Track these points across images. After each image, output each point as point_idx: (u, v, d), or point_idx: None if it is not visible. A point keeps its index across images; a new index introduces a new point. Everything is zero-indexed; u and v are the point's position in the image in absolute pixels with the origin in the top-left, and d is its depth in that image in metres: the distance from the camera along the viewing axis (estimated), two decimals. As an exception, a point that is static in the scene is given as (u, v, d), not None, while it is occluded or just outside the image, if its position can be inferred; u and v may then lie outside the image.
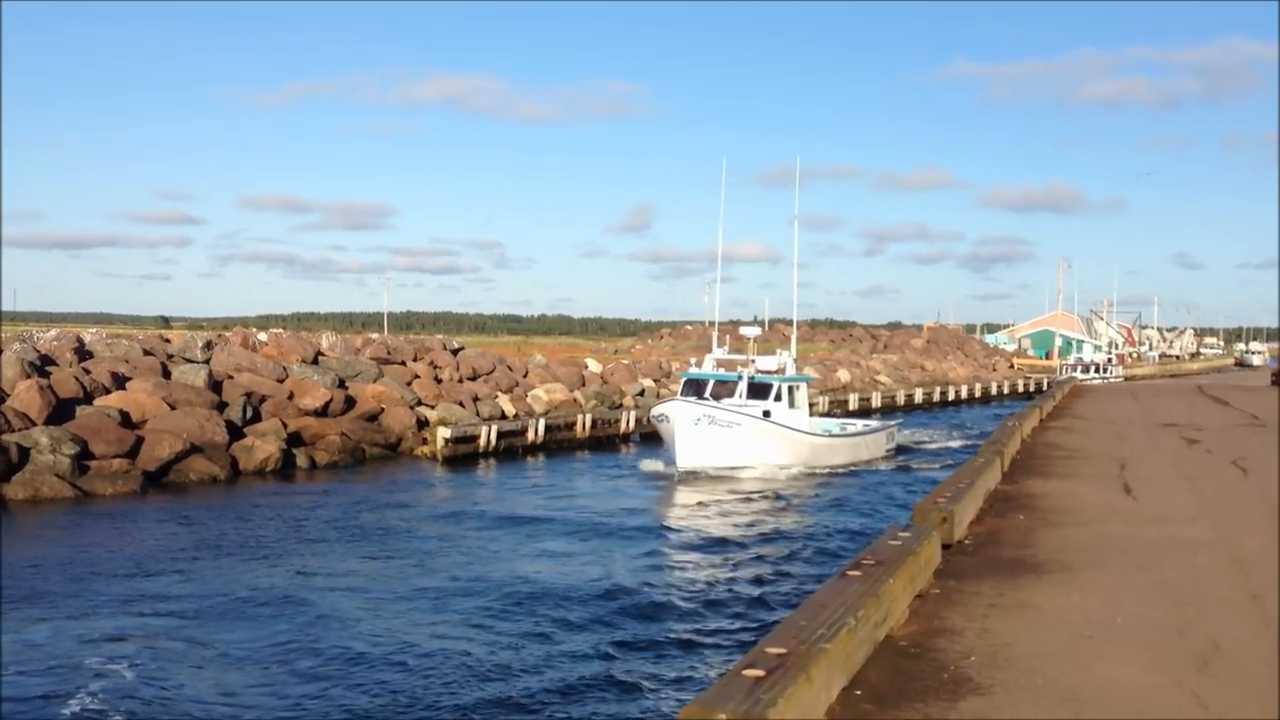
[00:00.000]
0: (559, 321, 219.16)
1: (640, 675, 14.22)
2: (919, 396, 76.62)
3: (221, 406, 34.56)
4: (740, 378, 36.62)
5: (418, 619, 17.26)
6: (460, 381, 45.67)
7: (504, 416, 43.61)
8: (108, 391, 32.98)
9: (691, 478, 33.05)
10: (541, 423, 42.65)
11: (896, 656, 6.49)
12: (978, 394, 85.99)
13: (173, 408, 33.01)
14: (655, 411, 35.45)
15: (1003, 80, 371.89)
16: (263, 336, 43.02)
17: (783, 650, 5.31)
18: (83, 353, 35.74)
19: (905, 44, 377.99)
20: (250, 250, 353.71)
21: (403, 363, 45.33)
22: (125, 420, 31.48)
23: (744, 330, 41.26)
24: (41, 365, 32.89)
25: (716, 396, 35.89)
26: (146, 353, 37.13)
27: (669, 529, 25.31)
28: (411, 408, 40.35)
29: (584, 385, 52.51)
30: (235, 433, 33.60)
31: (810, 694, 5.14)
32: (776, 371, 38.05)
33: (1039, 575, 8.83)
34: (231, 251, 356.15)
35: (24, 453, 27.91)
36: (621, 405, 52.06)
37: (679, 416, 33.36)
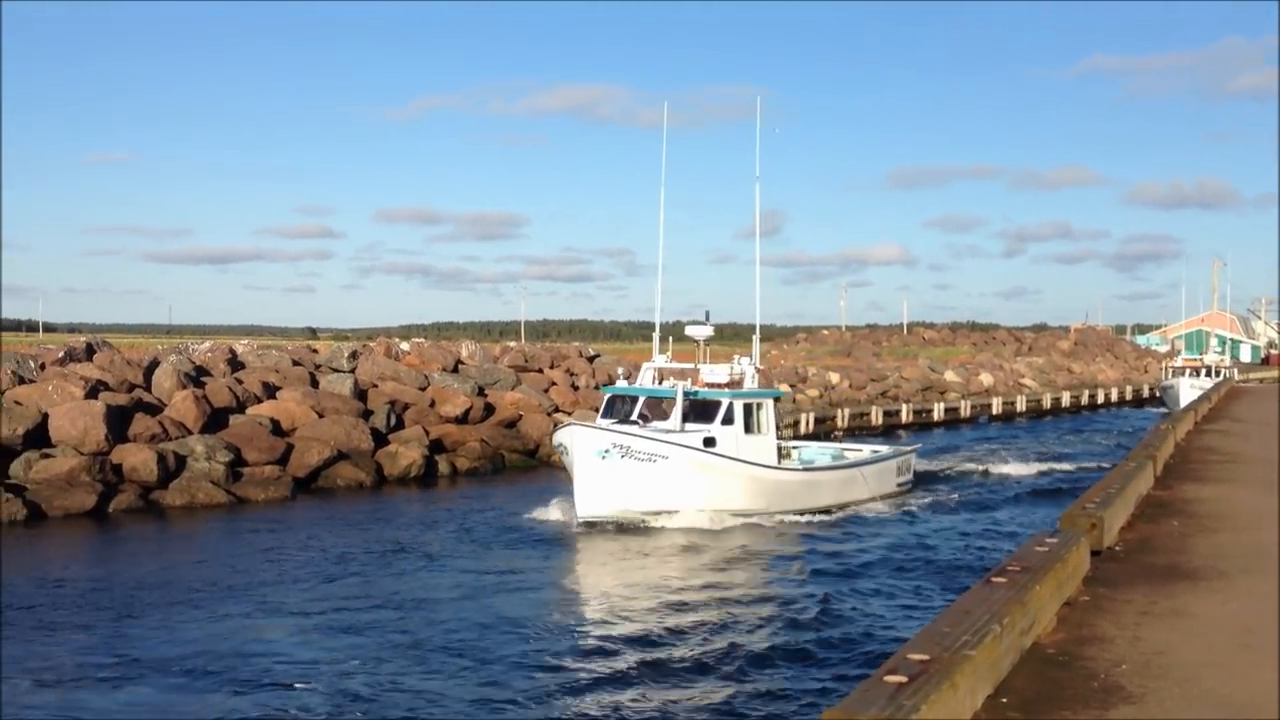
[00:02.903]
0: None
1: None
2: (1066, 400, 74.80)
3: (367, 414, 35.49)
4: (676, 393, 27.52)
5: (583, 624, 17.49)
6: (596, 388, 46.04)
7: (641, 423, 43.82)
8: (259, 401, 34.15)
9: (594, 532, 25.11)
10: (678, 429, 42.70)
11: (1044, 664, 6.34)
12: (1128, 397, 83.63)
13: (321, 416, 34.02)
14: (555, 438, 27.03)
15: (1145, 73, 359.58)
16: (405, 346, 44.05)
17: (925, 657, 5.23)
18: (235, 363, 37.06)
19: (1037, 39, 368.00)
20: (389, 262, 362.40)
21: (540, 370, 45.94)
22: (276, 428, 32.56)
23: (691, 330, 31.34)
24: (197, 376, 34.21)
25: (648, 418, 27.48)
26: (295, 363, 38.35)
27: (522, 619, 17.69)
28: (549, 414, 40.84)
29: (720, 391, 52.42)
30: (380, 440, 34.47)
31: (955, 701, 5.04)
32: (729, 384, 28.98)
33: (1194, 582, 8.53)
34: (371, 263, 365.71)
35: (181, 460, 29.06)
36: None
37: (579, 446, 25.00)
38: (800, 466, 30.40)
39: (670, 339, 33.29)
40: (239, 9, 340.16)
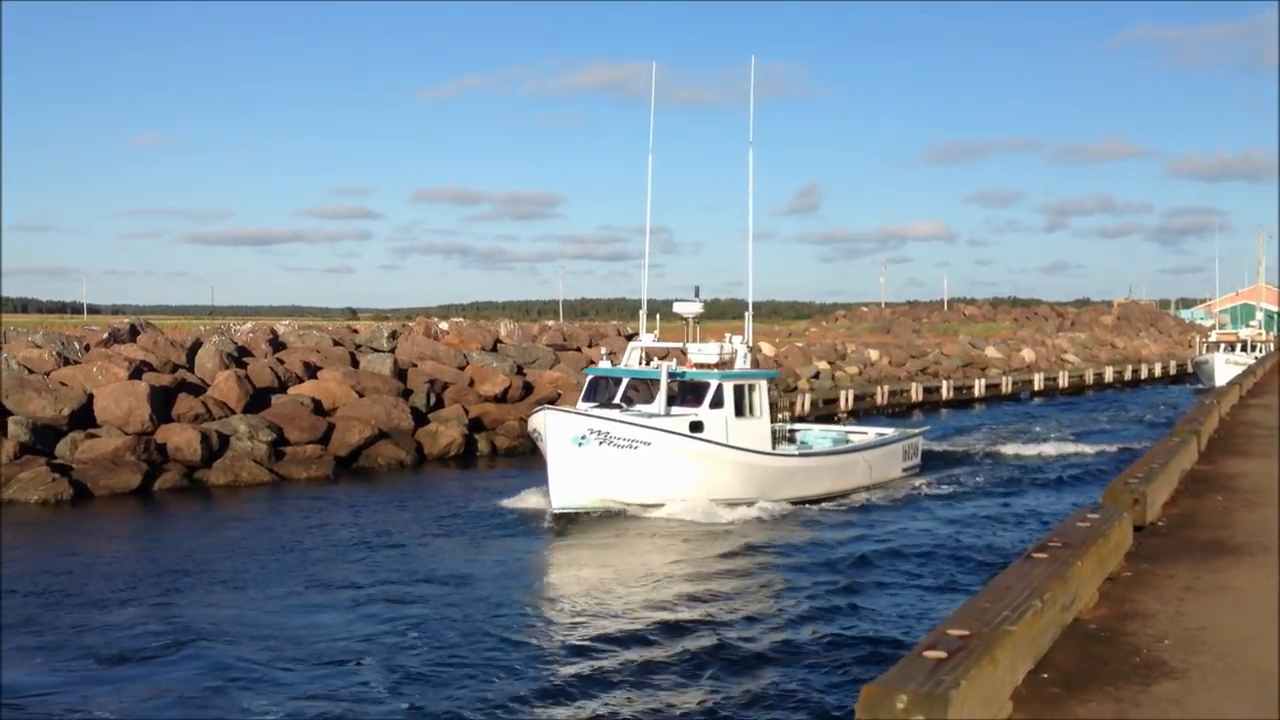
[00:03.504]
0: (731, 305, 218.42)
1: None
2: (1109, 375, 74.15)
3: (407, 394, 35.69)
4: (660, 375, 25.82)
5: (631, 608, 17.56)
6: (635, 366, 46.10)
7: (679, 400, 43.83)
8: (300, 380, 34.42)
9: (569, 525, 23.29)
10: (717, 406, 42.72)
11: (1085, 639, 6.30)
12: (1172, 371, 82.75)
13: (361, 395, 34.25)
14: (531, 423, 25.55)
15: (1189, 44, 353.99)
16: (444, 325, 44.23)
17: (965, 632, 5.21)
18: (276, 344, 37.35)
19: (1079, 9, 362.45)
20: (426, 242, 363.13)
21: (578, 349, 46.04)
22: (317, 408, 32.81)
23: (679, 307, 29.27)
24: (239, 356, 34.51)
25: (633, 401, 25.93)
26: (336, 343, 38.61)
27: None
28: (588, 393, 40.91)
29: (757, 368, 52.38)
30: (420, 419, 34.66)
31: (994, 676, 5.02)
32: (718, 365, 27.06)
33: (1238, 557, 8.44)
34: (409, 244, 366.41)
35: (224, 440, 29.35)
36: (796, 388, 51.77)
37: (553, 432, 23.39)
38: (797, 451, 28.49)
39: (657, 316, 31.06)
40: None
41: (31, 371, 29.88)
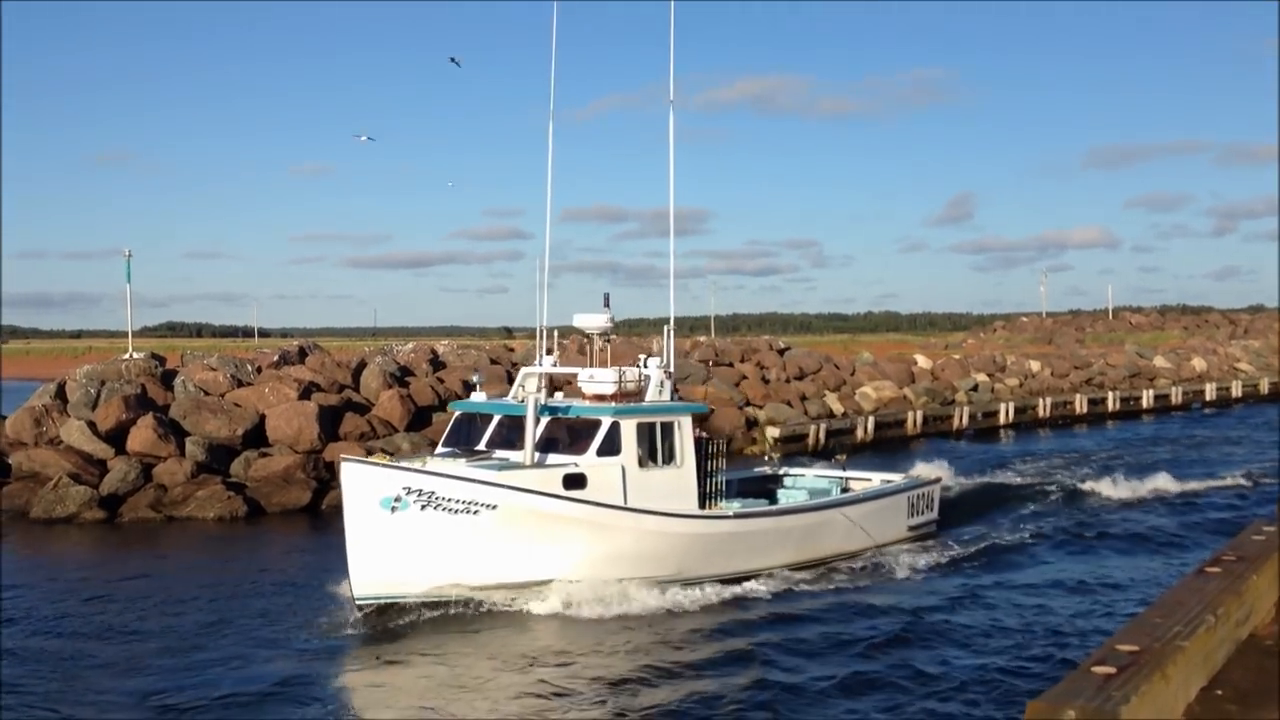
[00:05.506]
0: (885, 318, 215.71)
1: None
2: (1285, 384, 70.92)
3: (562, 411, 36.21)
4: (527, 409, 19.07)
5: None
6: (787, 381, 45.93)
7: (832, 415, 43.54)
8: (460, 399, 35.20)
9: (385, 623, 17.01)
10: (871, 420, 42.30)
11: (1262, 655, 6.10)
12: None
13: (518, 413, 34.87)
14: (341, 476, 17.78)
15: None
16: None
17: (1135, 647, 5.12)
18: (436, 363, 38.34)
19: (1239, 5, 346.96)
20: (577, 261, 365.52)
21: (730, 364, 46.06)
22: (476, 426, 33.52)
23: (580, 319, 22.98)
24: (401, 376, 35.51)
25: (504, 442, 19.66)
26: (493, 361, 39.44)
27: None
28: (740, 408, 40.92)
29: (913, 381, 51.67)
30: (575, 436, 35.09)
31: (1166, 692, 4.92)
32: (616, 396, 20.29)
33: None
34: (559, 262, 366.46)
35: (388, 458, 30.17)
36: (954, 401, 50.87)
37: (352, 492, 17.09)
38: (731, 512, 20.69)
39: (555, 334, 25.41)
40: (426, 19, 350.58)
41: (207, 393, 31.25)
